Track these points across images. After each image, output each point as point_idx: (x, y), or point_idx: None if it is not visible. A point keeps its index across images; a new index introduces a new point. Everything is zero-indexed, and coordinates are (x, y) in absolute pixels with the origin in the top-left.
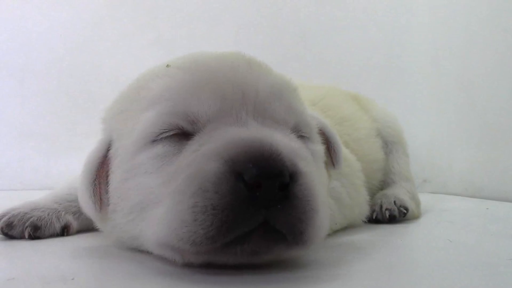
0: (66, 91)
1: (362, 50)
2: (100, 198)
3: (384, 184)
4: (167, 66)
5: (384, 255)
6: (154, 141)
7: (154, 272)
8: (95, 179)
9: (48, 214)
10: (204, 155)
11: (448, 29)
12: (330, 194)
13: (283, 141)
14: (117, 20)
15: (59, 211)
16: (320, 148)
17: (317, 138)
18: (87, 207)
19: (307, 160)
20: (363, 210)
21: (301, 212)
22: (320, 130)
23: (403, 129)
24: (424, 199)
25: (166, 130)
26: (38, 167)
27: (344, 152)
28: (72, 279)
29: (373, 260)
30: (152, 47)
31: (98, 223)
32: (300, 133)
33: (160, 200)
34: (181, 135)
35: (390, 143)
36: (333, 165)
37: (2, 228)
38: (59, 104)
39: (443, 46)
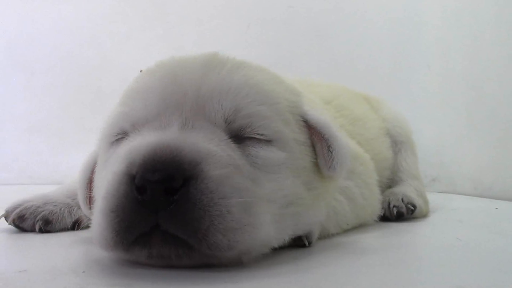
0: (74, 86)
1: (372, 47)
2: (90, 197)
3: (392, 182)
4: (140, 71)
5: (392, 253)
6: (112, 142)
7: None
8: (88, 179)
9: (60, 209)
10: (117, 158)
11: (457, 27)
12: (344, 193)
13: (194, 145)
14: (125, 15)
15: (71, 206)
16: (281, 155)
17: (284, 145)
18: (82, 208)
19: (223, 164)
20: (376, 209)
21: (194, 217)
22: (316, 130)
23: (412, 130)
24: (433, 198)
25: (116, 133)
26: (46, 162)
27: (358, 151)
28: (83, 272)
29: (381, 258)
30: (160, 42)
31: None
32: (248, 132)
33: (96, 201)
34: (125, 137)
35: (399, 143)
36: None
37: (13, 220)
38: (68, 99)
39: (452, 44)
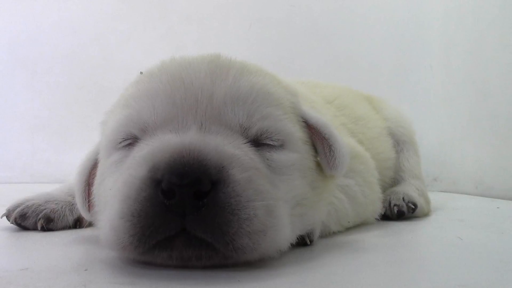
0: (77, 84)
1: (374, 47)
2: (89, 200)
3: (394, 181)
4: (141, 73)
5: (393, 252)
6: (117, 145)
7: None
8: (86, 181)
9: (62, 207)
10: (135, 162)
11: (459, 27)
12: (344, 191)
13: (217, 148)
14: (128, 13)
15: (72, 204)
16: (292, 156)
17: (293, 146)
18: (80, 209)
19: (246, 168)
20: (376, 208)
21: (223, 220)
22: (317, 129)
23: (415, 130)
24: (435, 197)
25: (124, 139)
26: (49, 160)
27: (359, 150)
28: (85, 270)
29: (382, 257)
30: (163, 41)
31: (94, 223)
32: (263, 138)
33: (108, 204)
34: (135, 142)
35: (401, 142)
36: (330, 167)
37: (15, 218)
38: (70, 97)
39: (454, 44)
